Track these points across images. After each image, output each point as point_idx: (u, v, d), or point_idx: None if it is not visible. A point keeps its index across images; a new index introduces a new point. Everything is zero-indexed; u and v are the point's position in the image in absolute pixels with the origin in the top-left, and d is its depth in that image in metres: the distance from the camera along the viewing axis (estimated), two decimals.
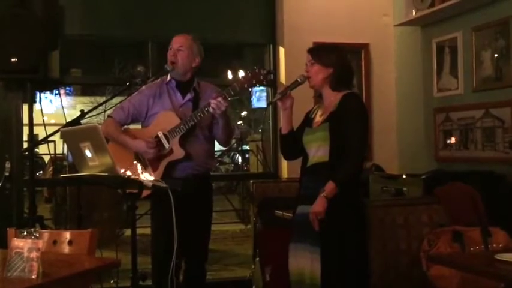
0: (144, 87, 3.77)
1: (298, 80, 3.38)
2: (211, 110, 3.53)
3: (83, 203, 6.36)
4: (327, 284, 3.14)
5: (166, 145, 3.63)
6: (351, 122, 3.19)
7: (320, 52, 3.37)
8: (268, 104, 3.75)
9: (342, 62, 3.35)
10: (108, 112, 3.91)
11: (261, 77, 3.57)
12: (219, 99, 3.51)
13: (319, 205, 3.11)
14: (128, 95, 3.81)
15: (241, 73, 3.59)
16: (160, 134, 3.64)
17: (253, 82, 3.58)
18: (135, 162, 3.66)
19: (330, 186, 3.10)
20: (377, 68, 5.73)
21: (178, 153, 3.63)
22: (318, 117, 3.37)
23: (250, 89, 3.55)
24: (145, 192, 3.28)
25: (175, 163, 3.65)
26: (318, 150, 3.27)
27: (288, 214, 3.90)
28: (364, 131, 3.30)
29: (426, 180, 4.30)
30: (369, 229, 3.47)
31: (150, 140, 3.63)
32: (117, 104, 3.89)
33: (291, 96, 3.41)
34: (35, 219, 4.41)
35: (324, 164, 3.22)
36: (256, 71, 3.57)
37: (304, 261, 3.24)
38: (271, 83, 5.54)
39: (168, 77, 3.81)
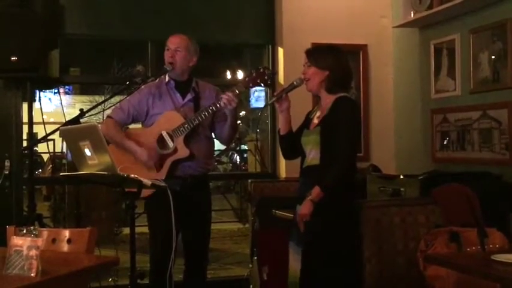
0: (142, 87, 3.79)
1: (295, 82, 3.39)
2: (222, 104, 3.54)
3: (82, 202, 6.40)
4: (305, 285, 3.19)
5: (171, 144, 3.64)
6: (340, 126, 3.19)
7: (316, 54, 3.37)
8: (264, 106, 3.80)
9: (339, 64, 3.33)
10: (108, 111, 3.91)
11: (266, 77, 3.59)
12: (230, 94, 3.53)
13: (305, 208, 3.16)
14: (128, 94, 3.82)
15: (240, 73, 3.61)
16: (164, 133, 3.65)
17: (258, 81, 3.60)
18: (138, 162, 3.67)
19: (315, 191, 3.14)
20: (375, 69, 5.75)
21: (183, 152, 3.64)
22: (315, 119, 3.39)
23: (251, 89, 3.58)
24: (147, 193, 3.31)
25: (178, 162, 3.67)
26: (310, 153, 3.31)
27: (285, 214, 3.92)
28: (354, 135, 3.28)
29: (423, 180, 4.31)
30: (366, 229, 3.49)
31: (153, 154, 3.64)
32: (116, 103, 3.89)
33: (287, 98, 3.42)
34: (34, 218, 4.43)
35: (315, 167, 3.25)
36: (261, 70, 3.59)
37: (292, 259, 3.33)
38: (271, 84, 5.56)
39: (167, 78, 3.82)
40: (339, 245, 3.22)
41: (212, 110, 3.60)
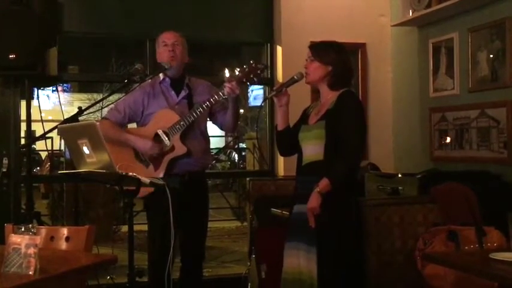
0: (137, 87, 3.78)
1: (295, 77, 3.39)
2: (225, 93, 3.55)
3: (80, 200, 6.39)
4: (323, 284, 3.15)
5: (167, 142, 3.64)
6: (348, 120, 3.17)
7: (320, 49, 3.36)
8: (263, 101, 3.80)
9: (342, 60, 3.33)
10: (106, 110, 3.91)
11: (258, 71, 3.59)
12: (233, 83, 3.53)
13: (313, 201, 3.11)
14: (126, 93, 3.82)
15: (238, 71, 3.60)
16: (160, 131, 3.65)
17: (251, 76, 3.60)
18: (136, 161, 3.67)
19: (323, 183, 3.10)
20: (373, 67, 5.75)
21: (181, 149, 3.64)
22: (314, 115, 3.37)
23: (247, 84, 3.56)
24: (146, 192, 3.31)
25: (176, 160, 3.66)
26: (313, 148, 3.27)
27: (284, 212, 3.92)
28: (361, 129, 3.27)
29: (421, 179, 4.32)
30: (365, 228, 3.49)
31: (155, 144, 3.64)
32: (115, 101, 3.89)
33: (287, 93, 3.41)
34: (32, 215, 4.43)
35: (320, 162, 3.21)
36: (253, 65, 3.59)
37: (301, 261, 3.23)
38: (269, 81, 5.57)
39: (161, 76, 3.81)
40: (350, 243, 3.20)
41: (207, 105, 3.60)
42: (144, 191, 3.25)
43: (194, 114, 3.61)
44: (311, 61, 3.34)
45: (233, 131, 4.06)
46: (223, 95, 3.57)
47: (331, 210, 3.11)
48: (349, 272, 3.19)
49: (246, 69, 3.59)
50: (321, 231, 3.14)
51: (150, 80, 3.82)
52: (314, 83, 3.37)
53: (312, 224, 3.14)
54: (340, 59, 3.32)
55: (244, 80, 3.60)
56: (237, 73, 3.62)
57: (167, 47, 3.74)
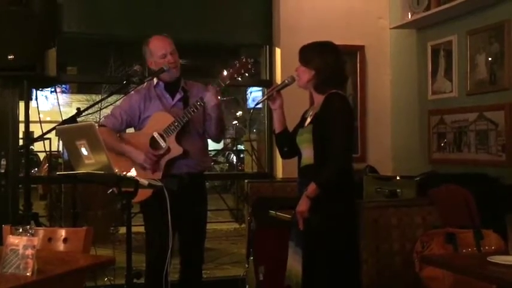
0: (132, 92, 3.78)
1: (286, 81, 3.40)
2: (205, 101, 3.55)
3: (78, 201, 6.38)
4: (308, 286, 3.19)
5: (163, 144, 3.64)
6: (333, 122, 3.16)
7: (304, 53, 3.36)
8: (255, 104, 3.84)
9: (325, 64, 3.28)
10: (105, 111, 3.90)
11: (249, 66, 3.61)
12: (212, 91, 3.54)
13: (302, 205, 3.16)
14: (124, 94, 3.81)
15: (229, 68, 3.64)
16: (155, 134, 3.65)
17: (242, 72, 3.61)
18: (134, 164, 3.67)
19: (311, 187, 3.13)
20: (372, 70, 5.75)
21: (176, 150, 3.64)
22: (309, 118, 3.39)
23: (239, 79, 3.58)
24: (144, 195, 3.30)
25: (173, 161, 3.66)
26: (306, 151, 3.30)
27: (282, 214, 3.92)
28: (347, 131, 3.24)
29: (420, 182, 4.32)
30: (363, 230, 3.49)
31: (149, 155, 3.62)
32: (113, 102, 3.88)
33: (280, 96, 3.42)
34: (30, 217, 4.42)
35: (311, 166, 3.24)
36: (244, 60, 3.61)
37: (289, 260, 3.32)
38: (268, 83, 5.57)
39: (155, 80, 3.80)
40: (340, 243, 3.21)
41: (200, 105, 3.60)
42: (142, 195, 3.25)
43: (188, 114, 3.61)
44: (299, 65, 3.36)
45: (217, 141, 4.04)
46: (201, 106, 3.58)
47: (321, 214, 3.13)
48: (339, 275, 3.20)
49: (237, 65, 3.61)
50: (308, 233, 3.17)
51: (144, 85, 3.80)
52: (302, 87, 3.38)
53: (300, 226, 3.18)
54: (323, 62, 3.28)
55: (235, 76, 3.61)
56: (229, 71, 3.62)
57: (169, 57, 3.71)
